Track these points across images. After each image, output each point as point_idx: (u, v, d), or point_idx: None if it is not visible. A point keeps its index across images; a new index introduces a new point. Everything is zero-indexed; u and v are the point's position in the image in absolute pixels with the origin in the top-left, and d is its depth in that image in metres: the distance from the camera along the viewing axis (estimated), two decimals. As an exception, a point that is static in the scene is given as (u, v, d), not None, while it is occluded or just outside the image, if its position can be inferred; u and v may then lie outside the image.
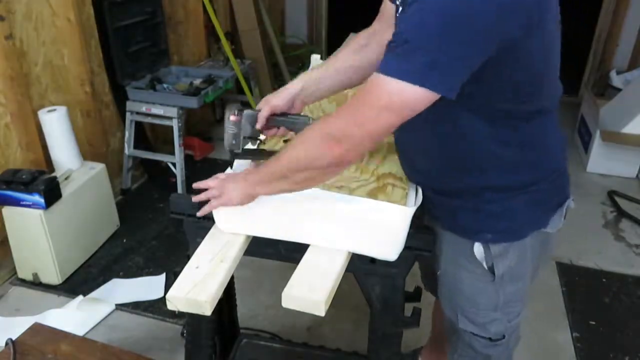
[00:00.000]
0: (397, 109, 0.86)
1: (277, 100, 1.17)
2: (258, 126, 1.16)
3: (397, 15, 0.99)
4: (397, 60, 0.84)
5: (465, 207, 1.11)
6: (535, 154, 1.06)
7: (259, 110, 1.16)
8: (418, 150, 1.12)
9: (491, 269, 1.13)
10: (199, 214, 1.15)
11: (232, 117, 1.16)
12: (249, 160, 1.23)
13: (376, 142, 0.95)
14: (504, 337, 1.23)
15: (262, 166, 1.09)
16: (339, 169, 0.99)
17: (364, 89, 0.90)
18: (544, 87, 1.00)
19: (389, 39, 0.86)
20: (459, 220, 1.13)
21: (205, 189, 1.15)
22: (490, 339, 1.23)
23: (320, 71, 1.21)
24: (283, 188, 1.04)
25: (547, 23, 0.89)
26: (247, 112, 1.16)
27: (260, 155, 1.23)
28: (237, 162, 1.23)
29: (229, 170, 1.24)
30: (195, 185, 1.17)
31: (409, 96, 0.84)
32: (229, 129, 1.16)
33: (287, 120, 1.17)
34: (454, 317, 1.25)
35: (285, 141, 1.32)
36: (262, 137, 1.27)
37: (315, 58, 1.81)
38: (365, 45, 1.19)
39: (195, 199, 1.15)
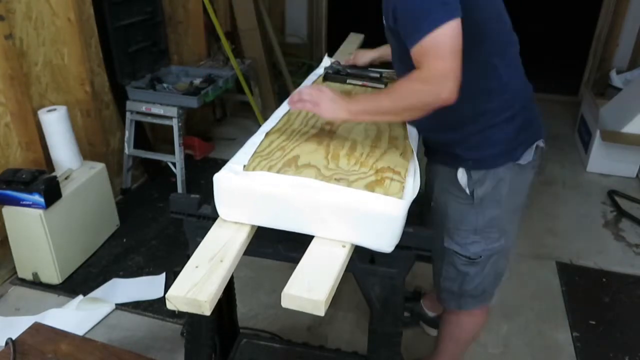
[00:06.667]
0: (454, 45, 1.06)
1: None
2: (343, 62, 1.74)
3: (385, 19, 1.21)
4: (415, 25, 1.07)
5: (452, 140, 1.35)
6: (499, 98, 1.28)
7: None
8: None
9: (472, 194, 1.36)
10: (292, 106, 1.28)
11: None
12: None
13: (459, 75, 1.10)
14: (480, 257, 1.43)
15: (364, 100, 1.23)
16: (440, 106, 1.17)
17: (421, 59, 1.09)
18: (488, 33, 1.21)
19: None
20: (448, 153, 1.38)
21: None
22: (469, 257, 1.43)
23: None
24: (385, 119, 1.30)
25: None
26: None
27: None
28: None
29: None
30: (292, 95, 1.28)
31: (451, 32, 1.05)
32: None
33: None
34: (442, 239, 1.47)
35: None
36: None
37: (327, 59, 1.89)
38: None
39: (291, 100, 1.27)
